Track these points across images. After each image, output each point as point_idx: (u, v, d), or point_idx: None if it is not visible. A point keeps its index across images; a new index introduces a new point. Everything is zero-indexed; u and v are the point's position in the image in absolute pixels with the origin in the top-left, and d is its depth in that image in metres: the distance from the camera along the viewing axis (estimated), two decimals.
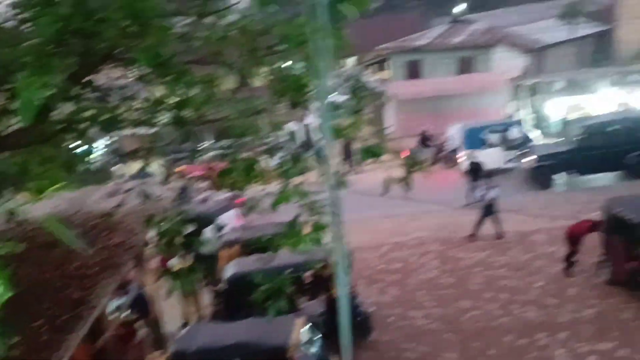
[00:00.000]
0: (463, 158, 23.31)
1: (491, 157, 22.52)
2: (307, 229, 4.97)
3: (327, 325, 9.91)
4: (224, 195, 15.63)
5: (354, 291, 11.82)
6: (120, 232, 9.31)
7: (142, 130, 5.63)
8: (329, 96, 5.53)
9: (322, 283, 10.95)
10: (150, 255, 11.39)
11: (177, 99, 4.74)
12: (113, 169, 19.88)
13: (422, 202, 14.08)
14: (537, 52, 33.65)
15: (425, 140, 26.23)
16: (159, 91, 5.00)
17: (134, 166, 6.05)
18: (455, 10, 42.93)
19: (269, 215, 5.49)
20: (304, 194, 4.76)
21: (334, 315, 5.85)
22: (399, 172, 4.29)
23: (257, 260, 10.28)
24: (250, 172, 4.97)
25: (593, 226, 13.75)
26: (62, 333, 6.72)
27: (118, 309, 10.63)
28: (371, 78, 35.88)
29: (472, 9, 45.60)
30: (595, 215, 14.13)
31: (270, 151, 5.61)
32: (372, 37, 38.44)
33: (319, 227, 4.64)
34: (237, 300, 10.98)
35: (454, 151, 24.47)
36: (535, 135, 25.60)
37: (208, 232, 14.12)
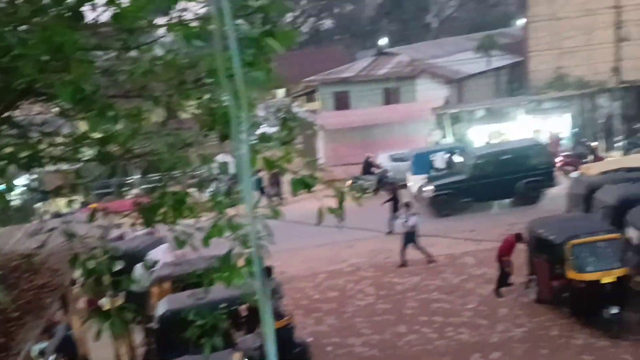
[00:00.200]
0: (410, 183, 23.85)
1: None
2: (240, 262, 4.90)
3: (264, 359, 9.75)
4: (152, 230, 15.26)
5: (291, 322, 11.73)
6: (44, 273, 8.92)
7: (66, 166, 5.44)
8: (259, 128, 5.53)
9: (258, 315, 10.79)
10: (78, 296, 10.94)
11: (101, 134, 4.63)
12: (35, 207, 19.08)
13: (356, 229, 14.24)
14: (458, 82, 35.25)
15: (368, 167, 26.46)
16: (83, 126, 4.87)
17: (58, 204, 5.83)
18: (381, 43, 44.35)
19: (201, 249, 5.39)
20: (237, 227, 4.70)
21: None
22: (332, 202, 4.32)
23: (190, 295, 10.06)
24: (180, 206, 4.88)
25: (517, 237, 14.32)
26: None
27: (42, 353, 10.11)
28: (300, 109, 36.26)
29: (394, 43, 47.23)
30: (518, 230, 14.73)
31: (201, 184, 5.53)
32: (300, 69, 39.00)
33: (252, 260, 4.59)
34: (170, 338, 10.67)
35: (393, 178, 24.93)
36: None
37: (138, 269, 13.70)
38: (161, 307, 11.67)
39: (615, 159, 23.64)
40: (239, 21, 3.33)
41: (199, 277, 5.32)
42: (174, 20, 3.63)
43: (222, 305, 9.57)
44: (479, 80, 36.73)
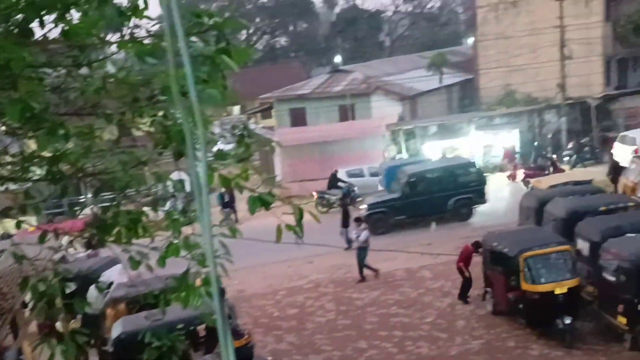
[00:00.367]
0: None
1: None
2: (198, 282, 4.82)
3: None
4: (96, 252, 14.92)
5: (251, 341, 11.59)
6: None
7: (15, 186, 5.27)
8: (215, 145, 5.48)
9: (216, 335, 10.63)
10: (29, 320, 10.55)
11: (52, 152, 4.50)
12: None
13: (315, 245, 14.23)
14: (411, 99, 35.91)
15: (335, 181, 26.44)
16: (32, 144, 4.74)
17: (6, 225, 5.62)
18: (336, 61, 44.80)
19: (157, 269, 5.29)
20: (194, 246, 4.62)
21: None
22: (290, 219, 4.29)
23: (146, 317, 9.84)
24: (135, 226, 4.78)
25: (475, 245, 14.63)
26: None
27: None
28: (257, 126, 36.19)
29: (348, 60, 47.84)
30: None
31: (156, 202, 5.43)
32: (256, 86, 39.03)
33: (209, 280, 4.51)
34: None
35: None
36: None
37: (92, 291, 13.34)
38: (116, 329, 11.38)
39: (569, 173, 24.34)
40: (193, 38, 3.31)
41: (156, 297, 5.21)
42: (126, 37, 3.57)
43: (180, 326, 9.41)
44: (432, 97, 37.51)
